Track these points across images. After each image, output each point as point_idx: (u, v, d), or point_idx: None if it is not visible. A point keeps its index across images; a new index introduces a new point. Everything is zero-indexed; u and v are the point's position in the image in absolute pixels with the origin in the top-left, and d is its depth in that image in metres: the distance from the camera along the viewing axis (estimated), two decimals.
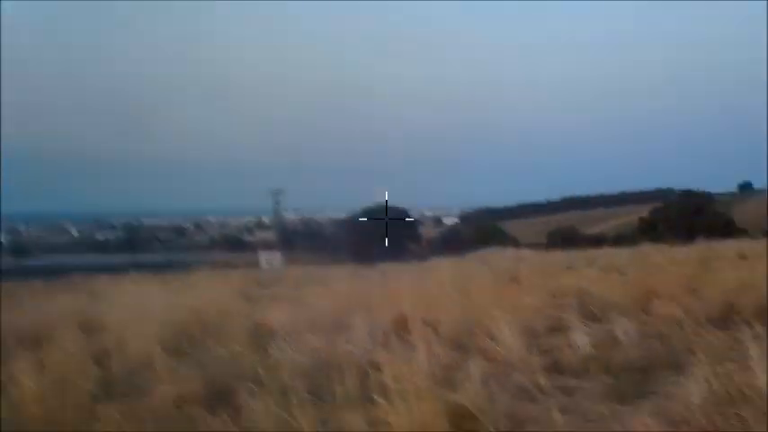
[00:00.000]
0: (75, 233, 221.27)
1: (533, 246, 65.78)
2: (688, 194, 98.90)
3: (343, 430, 7.01)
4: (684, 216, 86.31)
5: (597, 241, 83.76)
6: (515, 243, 77.65)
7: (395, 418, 6.83)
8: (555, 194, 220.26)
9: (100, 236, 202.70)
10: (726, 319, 11.97)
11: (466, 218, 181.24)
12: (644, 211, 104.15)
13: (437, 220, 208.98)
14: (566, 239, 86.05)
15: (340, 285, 22.13)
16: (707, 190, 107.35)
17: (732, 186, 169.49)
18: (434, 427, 6.81)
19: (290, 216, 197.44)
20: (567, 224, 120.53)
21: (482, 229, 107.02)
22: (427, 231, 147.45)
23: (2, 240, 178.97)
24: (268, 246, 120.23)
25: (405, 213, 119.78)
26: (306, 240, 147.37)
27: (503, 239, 79.84)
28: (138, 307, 17.08)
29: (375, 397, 7.26)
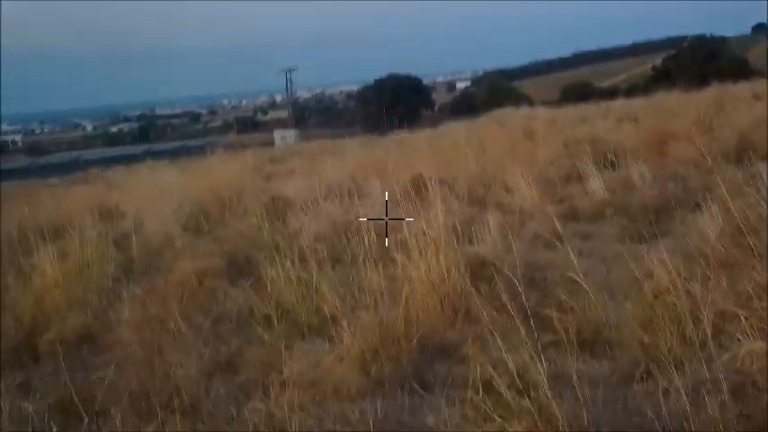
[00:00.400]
0: (89, 128, 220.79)
1: (547, 103, 65.17)
2: (700, 40, 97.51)
3: (364, 287, 7.05)
4: (698, 61, 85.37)
5: (611, 94, 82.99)
6: (529, 102, 76.79)
7: (415, 272, 6.87)
8: (566, 50, 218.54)
9: (114, 129, 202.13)
10: (741, 155, 11.89)
11: (478, 81, 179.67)
12: (657, 60, 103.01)
13: (450, 86, 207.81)
14: (580, 94, 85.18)
15: (354, 155, 22.12)
16: (720, 34, 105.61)
17: (746, 29, 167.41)
18: (455, 277, 6.86)
19: (304, 93, 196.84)
20: (580, 79, 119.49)
21: (495, 91, 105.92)
22: (440, 97, 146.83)
23: (18, 141, 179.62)
24: (282, 124, 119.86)
25: (417, 81, 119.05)
26: (319, 116, 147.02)
27: (516, 99, 78.81)
28: (155, 191, 17.13)
29: (395, 255, 7.29)
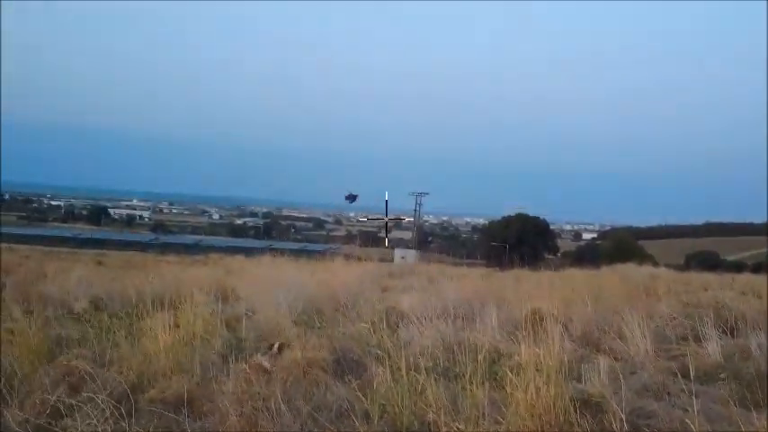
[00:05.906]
0: (216, 216, 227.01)
1: (670, 266, 64.41)
2: None
3: (467, 400, 7.06)
4: None
5: (737, 267, 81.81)
6: (653, 261, 76.09)
7: (522, 395, 6.87)
8: (698, 218, 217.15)
9: (240, 221, 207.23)
10: None
11: (605, 234, 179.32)
12: None
13: (576, 234, 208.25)
14: (704, 263, 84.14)
15: (473, 282, 22.16)
16: None
17: None
18: (559, 409, 6.83)
19: (430, 218, 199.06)
20: (707, 248, 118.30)
21: (620, 246, 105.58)
22: (565, 244, 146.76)
23: (146, 216, 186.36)
24: (404, 244, 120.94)
25: (544, 224, 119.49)
26: (442, 242, 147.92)
27: (640, 257, 78.16)
28: (272, 283, 17.39)
29: (503, 378, 7.31)
